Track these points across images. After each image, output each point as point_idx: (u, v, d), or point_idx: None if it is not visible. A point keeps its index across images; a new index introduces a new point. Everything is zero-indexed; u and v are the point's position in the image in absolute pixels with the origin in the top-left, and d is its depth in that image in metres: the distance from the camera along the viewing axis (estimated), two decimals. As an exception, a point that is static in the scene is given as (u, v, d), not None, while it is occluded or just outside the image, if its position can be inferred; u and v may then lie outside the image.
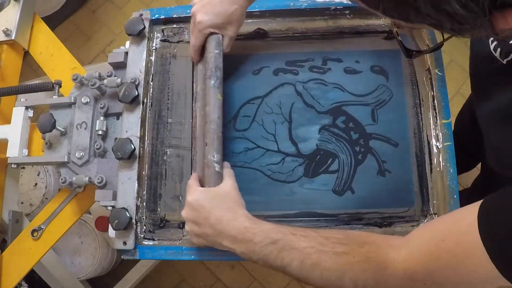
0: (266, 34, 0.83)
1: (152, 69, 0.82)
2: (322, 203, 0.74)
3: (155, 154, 0.78)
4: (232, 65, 0.80)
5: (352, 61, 0.80)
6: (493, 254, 0.44)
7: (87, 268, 1.37)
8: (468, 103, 1.11)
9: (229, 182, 0.66)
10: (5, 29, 0.88)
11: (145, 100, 0.78)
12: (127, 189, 0.72)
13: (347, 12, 0.81)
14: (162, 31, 0.85)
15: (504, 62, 0.60)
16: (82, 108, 0.78)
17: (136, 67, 0.79)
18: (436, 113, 0.75)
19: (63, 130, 0.78)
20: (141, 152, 0.76)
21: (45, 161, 0.80)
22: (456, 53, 1.68)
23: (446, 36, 0.58)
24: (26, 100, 0.83)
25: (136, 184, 0.72)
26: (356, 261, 0.53)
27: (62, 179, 0.75)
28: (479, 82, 0.74)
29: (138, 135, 0.75)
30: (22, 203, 1.35)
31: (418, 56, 0.71)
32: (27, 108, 0.82)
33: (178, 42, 0.84)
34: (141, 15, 0.82)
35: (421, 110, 0.76)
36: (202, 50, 0.76)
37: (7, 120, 0.86)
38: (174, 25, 0.85)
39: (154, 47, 0.84)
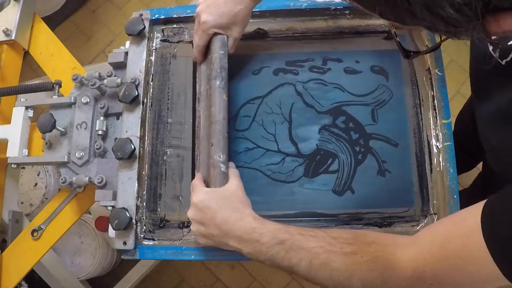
0: (266, 34, 0.83)
1: (152, 69, 0.82)
2: (322, 203, 0.74)
3: (155, 154, 0.78)
4: (232, 65, 0.80)
5: (352, 61, 0.80)
6: (496, 256, 0.44)
7: (87, 268, 1.37)
8: (469, 103, 1.11)
9: (234, 182, 0.65)
10: (5, 29, 0.88)
11: (145, 100, 0.78)
12: (127, 189, 0.72)
13: (347, 12, 0.81)
14: (162, 31, 0.85)
15: (503, 62, 0.61)
16: (82, 108, 0.78)
17: (136, 67, 0.79)
18: (436, 113, 0.75)
19: (63, 130, 0.78)
20: (141, 152, 0.76)
21: (45, 161, 0.80)
22: (456, 53, 1.68)
23: (443, 37, 0.58)
24: (26, 100, 0.83)
25: (136, 184, 0.72)
26: (364, 261, 0.53)
27: (62, 179, 0.75)
28: (479, 82, 0.74)
29: (138, 135, 0.75)
30: (22, 203, 1.35)
31: (416, 56, 0.71)
32: (27, 108, 0.82)
33: (178, 42, 0.84)
34: (141, 15, 0.81)
35: (421, 110, 0.76)
36: (206, 51, 0.76)
37: (7, 120, 0.86)
38: (174, 25, 0.85)
39: (154, 47, 0.84)
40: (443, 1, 0.35)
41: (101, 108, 0.78)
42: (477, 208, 0.47)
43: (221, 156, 0.66)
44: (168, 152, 0.78)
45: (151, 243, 0.73)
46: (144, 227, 0.74)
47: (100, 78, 0.78)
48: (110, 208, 0.72)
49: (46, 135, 0.79)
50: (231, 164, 0.71)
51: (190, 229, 0.73)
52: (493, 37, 0.38)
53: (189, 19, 0.84)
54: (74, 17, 1.97)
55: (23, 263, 0.82)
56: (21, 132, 0.80)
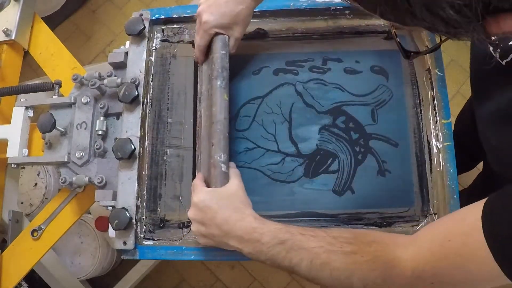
0: (266, 34, 0.83)
1: (152, 69, 0.82)
2: (322, 203, 0.74)
3: (155, 154, 0.78)
4: (232, 65, 0.80)
5: (352, 61, 0.80)
6: (497, 254, 0.44)
7: (87, 268, 1.37)
8: (469, 104, 1.11)
9: (235, 182, 0.65)
10: (5, 29, 0.88)
11: (145, 100, 0.78)
12: (127, 189, 0.72)
13: (347, 12, 0.81)
14: (162, 31, 0.85)
15: (503, 63, 0.61)
16: (82, 108, 0.78)
17: (136, 67, 0.79)
18: (436, 113, 0.75)
19: (63, 130, 0.78)
20: (141, 152, 0.76)
21: (45, 161, 0.80)
22: (456, 53, 1.68)
23: (443, 38, 0.59)
24: (26, 100, 0.83)
25: (136, 184, 0.72)
26: (365, 261, 0.53)
27: (62, 179, 0.75)
28: (479, 82, 0.74)
29: (138, 135, 0.75)
30: (22, 203, 1.35)
31: (416, 57, 0.71)
32: (27, 108, 0.82)
33: (178, 42, 0.84)
34: (141, 15, 0.81)
35: (421, 110, 0.76)
36: (207, 51, 0.76)
37: (7, 120, 0.86)
38: (174, 25, 0.85)
39: (154, 47, 0.84)
40: (443, 2, 0.35)
41: (101, 108, 0.78)
42: (477, 207, 0.47)
43: (222, 156, 0.66)
44: (168, 152, 0.78)
45: (151, 243, 0.73)
46: (144, 227, 0.74)
47: (100, 78, 0.78)
48: (110, 208, 0.72)
49: (46, 135, 0.79)
50: (232, 164, 0.71)
51: (190, 229, 0.73)
52: (493, 38, 0.38)
53: (189, 19, 0.84)
54: (74, 17, 1.96)
55: (23, 263, 0.82)
56: (21, 132, 0.80)
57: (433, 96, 0.76)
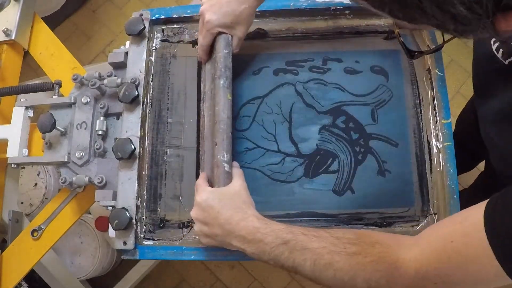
0: (266, 34, 0.83)
1: (152, 69, 0.82)
2: (322, 203, 0.74)
3: (155, 154, 0.78)
4: (232, 65, 0.80)
5: (352, 61, 0.80)
6: (499, 255, 0.44)
7: (87, 268, 1.37)
8: (470, 103, 1.11)
9: (238, 182, 0.65)
10: (5, 29, 0.88)
11: (145, 100, 0.78)
12: (127, 189, 0.72)
13: (347, 12, 0.81)
14: (162, 31, 0.85)
15: (506, 62, 0.61)
16: (82, 108, 0.78)
17: (136, 67, 0.79)
18: (436, 113, 0.75)
19: (63, 130, 0.78)
20: (141, 152, 0.76)
21: (45, 161, 0.80)
22: (456, 53, 1.68)
23: (447, 37, 0.59)
24: (26, 100, 0.83)
25: (136, 184, 0.72)
26: (368, 261, 0.53)
27: (62, 179, 0.75)
28: (482, 82, 0.74)
29: (138, 135, 0.75)
30: (22, 203, 1.35)
31: (420, 56, 0.72)
32: (27, 108, 0.82)
33: (178, 42, 0.84)
34: (141, 15, 0.81)
35: (421, 110, 0.76)
36: (210, 50, 0.76)
37: (7, 120, 0.86)
38: (174, 25, 0.85)
39: (154, 47, 0.84)
40: None
41: (101, 108, 0.78)
42: (479, 208, 0.47)
43: (225, 155, 0.66)
44: (168, 152, 0.78)
45: (151, 243, 0.73)
46: (144, 227, 0.74)
47: (100, 78, 0.78)
48: (110, 208, 0.72)
49: (46, 135, 0.79)
50: (235, 163, 0.71)
51: (190, 229, 0.73)
52: (503, 36, 0.38)
53: (189, 19, 0.84)
54: (74, 17, 1.97)
55: (23, 263, 0.82)
56: (21, 132, 0.80)
57: (433, 96, 0.76)
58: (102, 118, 0.77)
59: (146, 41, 0.80)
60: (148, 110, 0.79)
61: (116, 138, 0.75)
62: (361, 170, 0.75)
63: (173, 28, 0.85)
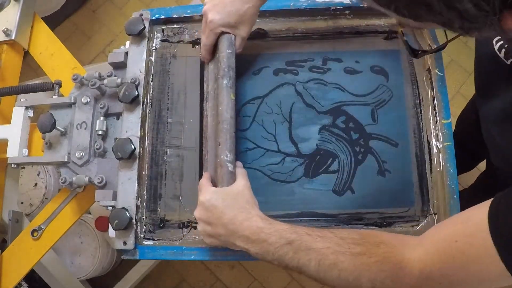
0: (266, 34, 0.83)
1: (152, 69, 0.82)
2: (322, 203, 0.74)
3: (155, 154, 0.78)
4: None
5: (352, 61, 0.80)
6: (503, 254, 0.44)
7: (87, 268, 1.37)
8: (471, 103, 1.11)
9: (242, 182, 0.65)
10: (5, 29, 0.88)
11: (145, 100, 0.78)
12: (127, 189, 0.72)
13: (347, 12, 0.81)
14: (162, 31, 0.85)
15: (508, 62, 0.61)
16: (82, 108, 0.78)
17: (136, 67, 0.79)
18: (436, 113, 0.75)
19: (63, 130, 0.78)
20: (141, 152, 0.76)
21: (45, 161, 0.80)
22: (456, 53, 1.68)
23: (450, 35, 0.58)
24: (26, 100, 0.83)
25: (136, 184, 0.72)
26: (373, 262, 0.53)
27: (62, 179, 0.75)
28: (484, 82, 0.75)
29: (138, 135, 0.75)
30: (22, 203, 1.35)
31: (423, 55, 0.71)
32: (27, 108, 0.82)
33: (178, 42, 0.84)
34: (141, 15, 0.81)
35: (421, 110, 0.76)
36: (213, 50, 0.76)
37: (7, 120, 0.86)
38: (174, 25, 0.85)
39: (154, 47, 0.84)
40: None
41: (101, 108, 0.78)
42: (483, 207, 0.47)
43: (228, 155, 0.66)
44: (168, 152, 0.78)
45: (151, 243, 0.73)
46: (144, 227, 0.74)
47: (100, 78, 0.78)
48: (110, 208, 0.72)
49: (46, 135, 0.79)
50: (239, 163, 0.70)
51: (190, 229, 0.73)
52: (509, 34, 0.38)
53: (189, 19, 0.84)
54: (74, 17, 1.97)
55: (23, 263, 0.82)
56: (21, 132, 0.80)
57: (433, 96, 0.76)
58: (102, 118, 0.77)
59: (146, 41, 0.80)
60: (148, 110, 0.79)
61: (116, 138, 0.75)
62: (361, 170, 0.75)
63: (173, 28, 0.85)
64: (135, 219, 0.71)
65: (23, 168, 1.38)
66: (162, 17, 0.84)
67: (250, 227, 0.59)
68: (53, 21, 1.79)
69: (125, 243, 0.70)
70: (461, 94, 1.65)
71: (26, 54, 0.94)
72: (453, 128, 0.94)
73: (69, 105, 0.80)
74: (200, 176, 0.74)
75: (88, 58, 1.90)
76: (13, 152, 0.80)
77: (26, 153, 0.81)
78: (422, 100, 0.77)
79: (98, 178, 0.73)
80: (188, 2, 1.73)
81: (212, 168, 0.70)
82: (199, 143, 0.77)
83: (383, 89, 0.78)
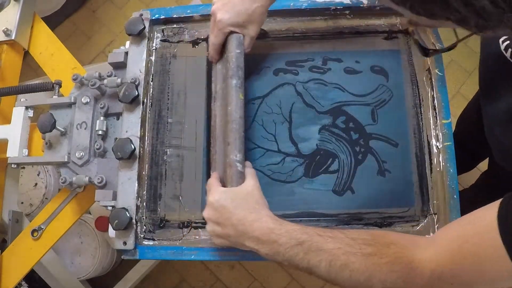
0: (266, 34, 0.83)
1: (152, 69, 0.82)
2: (322, 203, 0.74)
3: (155, 154, 0.78)
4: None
5: (352, 61, 0.80)
6: None
7: (87, 268, 1.37)
8: (472, 104, 1.11)
9: (251, 182, 0.65)
10: (5, 29, 0.88)
11: (145, 100, 0.78)
12: (127, 189, 0.72)
13: (347, 12, 0.81)
14: (162, 31, 0.85)
15: None
16: (82, 108, 0.78)
17: (136, 67, 0.79)
18: (436, 113, 0.75)
19: (63, 130, 0.78)
20: (141, 152, 0.76)
21: (45, 161, 0.80)
22: (456, 53, 1.68)
23: (460, 34, 0.58)
24: (26, 100, 0.83)
25: (136, 184, 0.72)
26: (384, 262, 0.53)
27: (62, 179, 0.75)
28: (488, 82, 0.75)
29: (138, 135, 0.75)
30: (22, 203, 1.35)
31: (434, 54, 0.71)
32: (27, 108, 0.82)
33: (178, 42, 0.84)
34: (141, 15, 0.81)
35: (421, 110, 0.76)
36: (221, 49, 0.75)
37: (7, 120, 0.86)
38: (174, 25, 0.85)
39: (154, 47, 0.84)
40: None
41: (101, 108, 0.78)
42: (492, 208, 0.47)
43: (238, 155, 0.66)
44: (168, 152, 0.78)
45: (151, 243, 0.73)
46: (144, 227, 0.74)
47: (100, 78, 0.78)
48: (110, 208, 0.72)
49: (46, 135, 0.79)
50: (248, 163, 0.70)
51: (190, 229, 0.73)
52: None
53: (189, 19, 0.84)
54: (74, 17, 1.97)
55: (23, 263, 0.82)
56: (21, 132, 0.80)
57: (433, 96, 0.76)
58: (102, 118, 0.77)
59: (146, 41, 0.80)
60: (148, 110, 0.79)
61: (116, 138, 0.75)
62: (361, 170, 0.75)
63: (173, 28, 0.85)
64: (135, 219, 0.71)
65: (23, 168, 1.38)
66: (162, 17, 0.84)
67: (260, 228, 0.59)
68: (53, 21, 1.79)
69: (125, 243, 0.70)
70: (461, 94, 1.65)
71: (26, 54, 0.95)
72: (453, 128, 0.94)
73: (69, 105, 0.80)
74: (208, 176, 0.74)
75: (88, 58, 1.90)
76: (13, 152, 0.80)
77: (26, 153, 0.81)
78: (422, 100, 0.77)
79: (98, 178, 0.73)
80: (188, 2, 1.73)
81: (221, 168, 0.70)
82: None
83: (383, 89, 0.78)
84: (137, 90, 0.75)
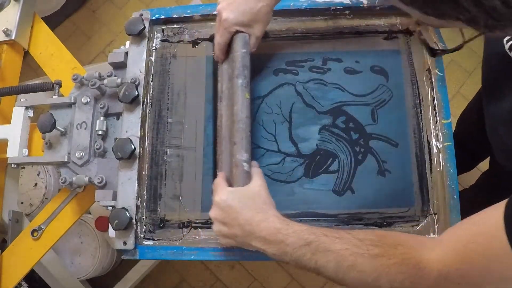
0: (266, 34, 0.83)
1: (152, 69, 0.82)
2: (322, 203, 0.74)
3: (155, 154, 0.78)
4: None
5: (352, 61, 0.80)
6: None
7: (87, 268, 1.37)
8: (473, 103, 1.11)
9: (258, 182, 0.65)
10: (5, 29, 0.88)
11: (145, 100, 0.78)
12: (127, 189, 0.72)
13: (347, 12, 0.81)
14: (162, 31, 0.85)
15: None
16: (82, 108, 0.78)
17: (136, 67, 0.79)
18: (436, 113, 0.75)
19: (63, 130, 0.78)
20: (141, 152, 0.76)
21: (45, 161, 0.80)
22: (456, 53, 1.66)
23: (467, 35, 0.58)
24: (26, 100, 0.83)
25: (136, 184, 0.72)
26: (392, 263, 0.53)
27: (62, 179, 0.75)
28: (493, 81, 0.74)
29: (138, 135, 0.75)
30: (22, 203, 1.35)
31: (442, 54, 0.71)
32: (27, 108, 0.82)
33: (178, 42, 0.84)
34: (141, 15, 0.82)
35: (421, 110, 0.76)
36: (227, 49, 0.75)
37: (7, 120, 0.86)
38: (174, 25, 0.85)
39: (154, 47, 0.84)
40: None
41: (101, 108, 0.78)
42: (498, 208, 0.47)
43: (244, 155, 0.66)
44: (168, 152, 0.78)
45: (151, 243, 0.73)
46: (144, 227, 0.74)
47: (100, 78, 0.78)
48: (110, 208, 0.72)
49: (46, 135, 0.79)
50: (255, 163, 0.70)
51: (190, 229, 0.73)
52: None
53: (189, 19, 0.84)
54: (74, 17, 1.97)
55: (23, 263, 0.82)
56: (21, 132, 0.80)
57: (433, 96, 0.76)
58: (102, 118, 0.77)
59: (146, 41, 0.80)
60: (148, 110, 0.79)
61: (116, 138, 0.75)
62: (361, 170, 0.75)
63: (173, 28, 0.85)
64: (135, 219, 0.71)
65: (23, 168, 1.38)
66: (162, 17, 0.84)
67: (268, 228, 0.59)
68: (53, 21, 1.79)
69: (125, 243, 0.70)
70: (461, 94, 1.65)
71: (26, 54, 0.95)
72: (453, 128, 0.94)
73: (69, 105, 0.80)
74: (215, 176, 0.74)
75: (88, 58, 1.90)
76: (13, 152, 0.80)
77: (26, 153, 0.81)
78: (422, 100, 0.77)
79: (98, 178, 0.73)
80: (188, 2, 1.73)
81: (227, 168, 0.70)
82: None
83: (383, 89, 0.78)
84: (137, 90, 0.75)
